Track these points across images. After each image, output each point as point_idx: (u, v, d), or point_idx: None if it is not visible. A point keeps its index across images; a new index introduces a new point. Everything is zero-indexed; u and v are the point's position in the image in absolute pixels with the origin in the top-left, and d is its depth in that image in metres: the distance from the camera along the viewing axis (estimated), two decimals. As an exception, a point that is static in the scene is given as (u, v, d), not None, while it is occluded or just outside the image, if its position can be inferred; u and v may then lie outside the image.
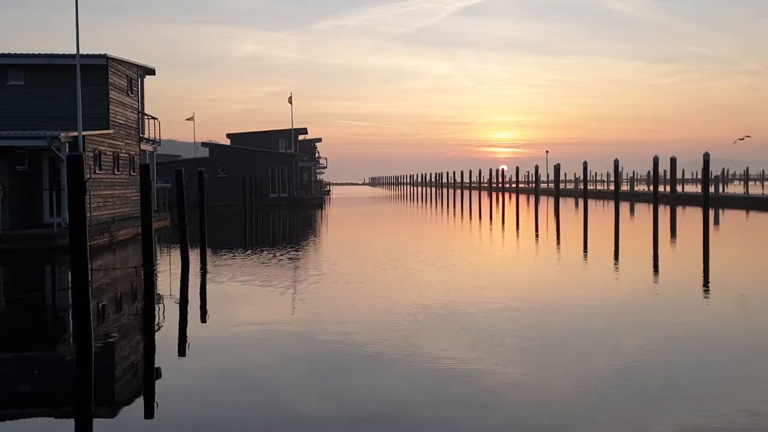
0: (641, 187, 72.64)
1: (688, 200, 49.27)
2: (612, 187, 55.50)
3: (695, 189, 64.23)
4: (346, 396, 7.67)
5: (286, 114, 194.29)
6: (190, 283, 16.02)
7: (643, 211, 42.51)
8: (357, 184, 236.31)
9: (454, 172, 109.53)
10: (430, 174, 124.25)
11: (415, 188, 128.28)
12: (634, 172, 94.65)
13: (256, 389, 7.96)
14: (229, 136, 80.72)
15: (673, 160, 51.93)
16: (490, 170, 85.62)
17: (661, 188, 49.10)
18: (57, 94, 28.76)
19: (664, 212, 40.04)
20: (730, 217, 35.84)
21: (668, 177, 56.07)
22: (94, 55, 29.19)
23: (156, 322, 11.89)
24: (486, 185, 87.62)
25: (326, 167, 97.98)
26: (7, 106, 28.85)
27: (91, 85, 28.51)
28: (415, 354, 9.19)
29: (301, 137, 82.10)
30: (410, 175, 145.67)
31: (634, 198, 57.15)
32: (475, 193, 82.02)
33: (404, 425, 6.85)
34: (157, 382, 8.55)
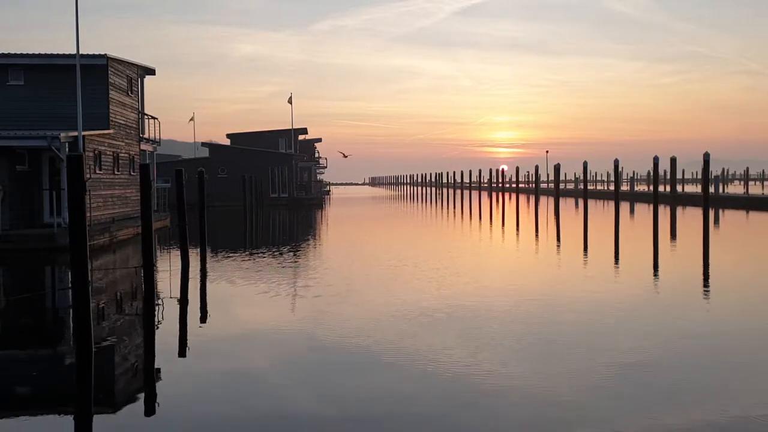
0: (641, 187, 72.64)
1: (689, 200, 49.27)
2: (612, 187, 55.49)
3: (695, 189, 64.22)
4: (345, 396, 7.66)
5: (286, 114, 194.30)
6: (190, 283, 16.01)
7: (643, 211, 42.50)
8: (357, 184, 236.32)
9: (454, 172, 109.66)
10: (430, 174, 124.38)
11: (415, 188, 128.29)
12: (634, 172, 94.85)
13: (256, 389, 7.96)
14: (229, 136, 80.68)
15: (673, 160, 51.91)
16: (490, 170, 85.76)
17: (661, 188, 49.08)
18: (57, 94, 28.73)
19: (664, 212, 40.03)
20: (730, 217, 35.84)
21: (668, 177, 56.05)
22: (94, 55, 29.17)
23: (156, 322, 11.88)
24: (486, 185, 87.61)
25: (326, 167, 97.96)
26: (7, 106, 28.82)
27: (91, 85, 28.48)
28: (415, 354, 9.19)
29: (301, 137, 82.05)
30: (410, 175, 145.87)
31: (634, 198, 57.14)
32: (475, 194, 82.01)
33: (404, 425, 6.84)
34: (157, 382, 8.54)
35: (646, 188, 66.34)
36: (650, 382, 7.86)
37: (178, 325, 11.74)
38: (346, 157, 53.40)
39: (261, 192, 57.21)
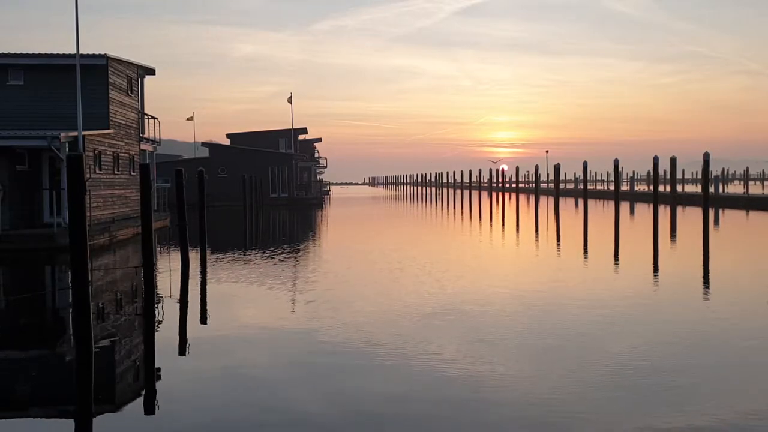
0: (641, 187, 72.63)
1: (689, 200, 49.26)
2: (612, 187, 55.49)
3: (695, 189, 64.21)
4: (345, 396, 7.66)
5: (286, 114, 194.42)
6: (190, 283, 16.00)
7: (643, 210, 42.50)
8: (357, 184, 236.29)
9: (454, 172, 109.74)
10: (430, 174, 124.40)
11: (415, 188, 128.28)
12: (634, 172, 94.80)
13: (256, 389, 7.96)
14: (229, 136, 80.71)
15: (673, 160, 51.91)
16: (490, 170, 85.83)
17: (661, 188, 49.07)
18: (57, 94, 28.72)
19: (664, 212, 40.03)
20: (730, 217, 35.83)
21: (668, 177, 56.05)
22: (94, 55, 29.17)
23: (156, 322, 11.88)
24: (486, 185, 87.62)
25: (326, 167, 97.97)
26: (7, 106, 28.82)
27: (91, 85, 28.48)
28: (415, 354, 9.19)
29: (301, 137, 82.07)
30: (410, 175, 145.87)
31: (634, 198, 57.14)
32: (475, 193, 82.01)
33: (404, 425, 6.84)
34: (157, 381, 8.54)
35: (646, 188, 66.33)
36: (651, 383, 7.86)
37: (178, 325, 11.74)
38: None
39: (261, 192, 57.20)
